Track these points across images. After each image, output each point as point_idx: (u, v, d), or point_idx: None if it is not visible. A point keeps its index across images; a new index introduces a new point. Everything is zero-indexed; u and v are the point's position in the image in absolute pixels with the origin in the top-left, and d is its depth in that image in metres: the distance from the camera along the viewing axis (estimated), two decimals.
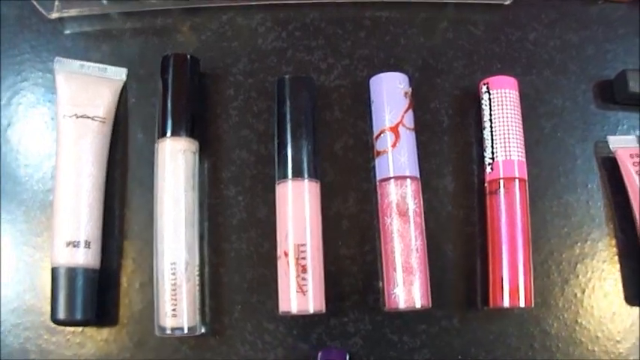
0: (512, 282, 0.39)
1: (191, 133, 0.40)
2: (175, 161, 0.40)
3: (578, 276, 0.42)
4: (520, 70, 0.44)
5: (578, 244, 0.42)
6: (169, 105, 0.41)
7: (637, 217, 0.42)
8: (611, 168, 0.44)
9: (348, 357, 0.39)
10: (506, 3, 0.45)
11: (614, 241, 0.43)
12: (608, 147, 0.44)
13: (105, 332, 0.40)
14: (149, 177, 0.40)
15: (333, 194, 0.41)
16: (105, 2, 0.45)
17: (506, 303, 0.39)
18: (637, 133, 0.45)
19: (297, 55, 0.44)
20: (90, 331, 0.40)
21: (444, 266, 0.41)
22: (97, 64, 0.43)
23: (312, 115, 0.41)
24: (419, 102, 0.43)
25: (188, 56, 0.42)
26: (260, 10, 0.44)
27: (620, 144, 0.44)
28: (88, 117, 0.41)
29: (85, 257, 0.39)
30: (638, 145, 0.44)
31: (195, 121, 0.41)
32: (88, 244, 0.39)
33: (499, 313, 0.41)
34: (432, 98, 0.43)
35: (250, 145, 0.42)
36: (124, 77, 0.44)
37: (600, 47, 0.46)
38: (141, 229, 0.41)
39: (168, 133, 0.40)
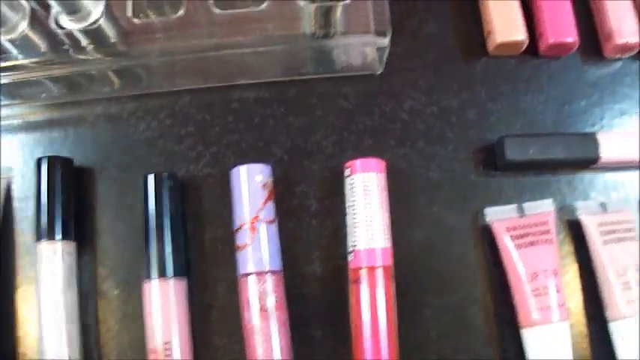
0: None
1: (66, 235, 0.40)
2: (52, 264, 0.40)
3: None
4: (393, 143, 0.42)
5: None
6: (42, 209, 0.41)
7: (514, 294, 0.40)
8: (490, 241, 0.41)
9: None
10: (378, 72, 0.42)
11: (492, 317, 0.41)
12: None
13: None
14: None
15: (203, 286, 0.41)
16: None
17: None
18: (519, 202, 0.42)
19: (167, 145, 0.42)
20: None
21: (314, 354, 0.40)
22: None
23: (177, 211, 0.40)
24: (286, 186, 0.41)
25: (60, 158, 0.41)
26: (131, 100, 0.43)
27: (496, 216, 0.41)
28: None
29: None
30: (518, 214, 0.41)
31: (69, 223, 0.41)
32: None
33: None
34: (299, 181, 0.42)
35: (126, 240, 0.42)
36: (10, 175, 0.44)
37: (483, 109, 0.43)
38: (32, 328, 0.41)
39: (43, 237, 0.40)
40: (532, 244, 0.40)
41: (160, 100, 0.43)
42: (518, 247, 0.40)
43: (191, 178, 0.42)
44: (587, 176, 0.43)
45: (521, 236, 0.41)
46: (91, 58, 0.40)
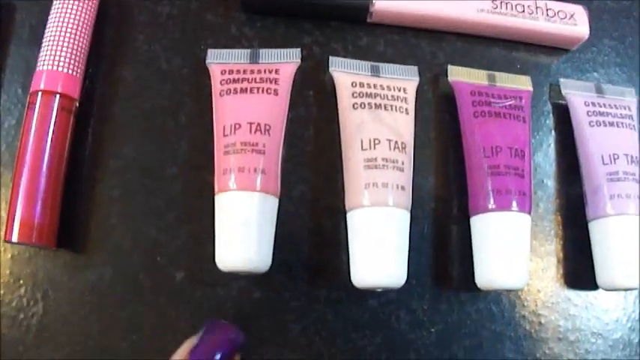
0: (25, 213, 0.30)
1: None
2: None
3: None
4: None
5: None
6: None
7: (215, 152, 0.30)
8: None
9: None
10: None
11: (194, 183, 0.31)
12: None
13: None
14: None
15: None
16: None
17: (15, 237, 0.30)
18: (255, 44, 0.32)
19: None
20: None
21: None
22: None
23: None
24: None
25: None
26: None
27: (217, 59, 0.32)
28: None
29: None
30: (248, 60, 0.32)
31: None
32: None
33: None
34: None
35: None
36: None
37: None
38: None
39: None
40: (245, 90, 0.30)
41: None
42: (230, 92, 0.30)
43: None
44: (351, 28, 0.33)
45: (235, 81, 0.31)
46: None
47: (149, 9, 0.34)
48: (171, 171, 0.32)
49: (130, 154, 0.32)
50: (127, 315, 0.30)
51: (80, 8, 0.32)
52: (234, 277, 0.30)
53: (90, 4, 0.33)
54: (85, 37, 0.33)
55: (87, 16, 0.33)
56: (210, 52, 0.32)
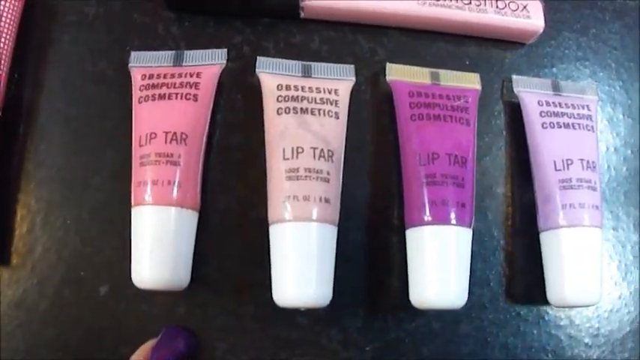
0: None
1: None
2: None
3: None
4: None
5: None
6: None
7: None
8: None
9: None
10: None
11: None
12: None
13: None
14: None
15: None
16: None
17: None
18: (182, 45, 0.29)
19: None
20: None
21: None
22: None
23: None
24: None
25: None
26: None
27: (139, 62, 0.29)
28: None
29: None
30: (172, 63, 0.29)
31: None
32: None
33: None
34: None
35: None
36: None
37: None
38: None
39: None
40: (163, 97, 0.27)
41: None
42: (149, 98, 0.28)
43: None
44: (283, 25, 0.30)
45: (154, 86, 0.28)
46: None
47: (76, 9, 0.31)
48: (96, 181, 0.29)
49: (55, 163, 0.30)
50: (53, 331, 0.28)
51: (2, 10, 0.30)
52: (157, 292, 0.28)
53: (12, 5, 0.30)
54: (8, 41, 0.30)
55: (10, 18, 0.30)
56: (133, 54, 0.29)
